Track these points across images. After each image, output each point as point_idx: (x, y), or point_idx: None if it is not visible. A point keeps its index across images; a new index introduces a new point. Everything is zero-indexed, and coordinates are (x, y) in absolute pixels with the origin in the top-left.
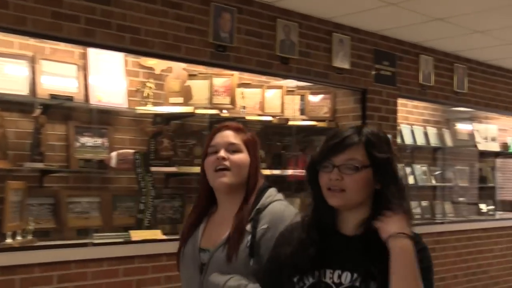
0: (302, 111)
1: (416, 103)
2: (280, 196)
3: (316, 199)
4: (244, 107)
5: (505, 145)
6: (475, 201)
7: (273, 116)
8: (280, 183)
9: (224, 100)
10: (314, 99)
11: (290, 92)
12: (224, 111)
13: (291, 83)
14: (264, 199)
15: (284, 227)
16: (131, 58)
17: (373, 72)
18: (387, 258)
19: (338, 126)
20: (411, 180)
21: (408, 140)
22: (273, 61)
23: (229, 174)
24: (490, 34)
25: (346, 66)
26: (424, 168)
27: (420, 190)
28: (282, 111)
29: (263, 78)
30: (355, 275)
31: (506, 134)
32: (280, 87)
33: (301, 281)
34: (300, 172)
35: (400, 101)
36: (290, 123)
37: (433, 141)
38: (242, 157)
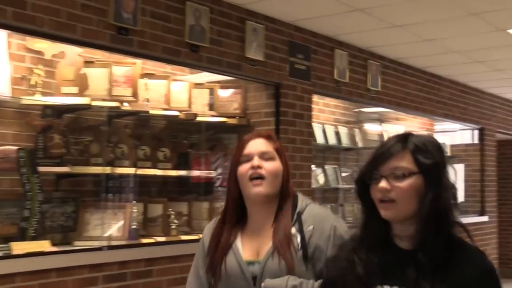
0: (211, 107)
1: (328, 100)
2: (310, 199)
3: (368, 212)
4: (147, 100)
5: None
6: None
7: (179, 111)
8: (185, 186)
9: (125, 91)
10: (224, 93)
11: (198, 85)
12: (125, 104)
13: (200, 78)
14: (301, 203)
15: (337, 244)
16: (16, 40)
17: (287, 65)
18: (448, 275)
19: (249, 123)
20: (322, 182)
21: (320, 140)
22: (182, 48)
23: (265, 184)
24: (407, 29)
25: (260, 57)
26: (334, 169)
27: (330, 192)
28: (190, 106)
29: (170, 69)
30: None
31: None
32: (187, 79)
33: None
34: (208, 173)
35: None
36: (198, 119)
37: (345, 141)
38: (276, 165)
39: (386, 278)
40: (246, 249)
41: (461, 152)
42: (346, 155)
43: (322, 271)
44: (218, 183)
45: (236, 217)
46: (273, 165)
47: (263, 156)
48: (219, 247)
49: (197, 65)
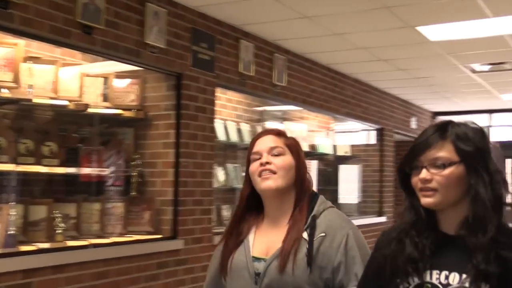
0: (105, 97)
1: (230, 95)
2: (330, 203)
3: (411, 201)
4: (31, 87)
5: (313, 146)
6: None
7: (69, 101)
8: (73, 185)
9: (5, 76)
10: (120, 83)
11: (91, 73)
12: (3, 90)
13: (94, 67)
14: (318, 206)
15: (382, 233)
16: None
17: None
18: (498, 261)
19: (146, 116)
20: (223, 181)
21: (222, 137)
22: (72, 28)
23: (275, 177)
24: (317, 21)
25: (161, 44)
26: (235, 168)
27: (230, 192)
28: (81, 96)
29: (59, 53)
30: (464, 276)
31: (315, 134)
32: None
33: (405, 281)
34: (99, 171)
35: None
36: (90, 110)
37: (247, 139)
38: (287, 159)
39: (435, 263)
40: (257, 244)
41: (361, 152)
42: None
43: (329, 279)
44: (110, 182)
45: (250, 214)
46: (283, 160)
47: (272, 152)
48: (231, 242)
49: (90, 49)
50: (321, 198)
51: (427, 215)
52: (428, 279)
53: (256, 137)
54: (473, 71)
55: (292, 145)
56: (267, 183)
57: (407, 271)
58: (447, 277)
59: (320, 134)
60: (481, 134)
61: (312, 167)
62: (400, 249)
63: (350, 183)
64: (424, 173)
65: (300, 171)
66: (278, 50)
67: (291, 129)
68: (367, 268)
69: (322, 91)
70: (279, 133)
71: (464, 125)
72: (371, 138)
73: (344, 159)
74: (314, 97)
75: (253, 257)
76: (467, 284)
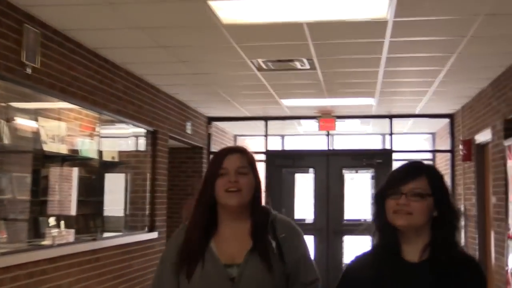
0: None
1: None
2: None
3: (381, 223)
4: None
5: (74, 150)
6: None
7: None
8: None
9: None
10: None
11: None
12: None
13: None
14: (272, 213)
15: (348, 264)
16: None
17: None
18: (457, 284)
19: None
20: None
21: None
22: None
23: (240, 195)
24: None
25: None
26: None
27: None
28: None
29: None
30: None
31: (77, 135)
32: None
33: None
34: None
35: None
36: None
37: None
38: (250, 178)
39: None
40: (221, 252)
41: (131, 158)
42: None
43: (291, 273)
44: None
45: (208, 222)
46: (248, 179)
47: (239, 170)
48: (194, 250)
49: None
50: (269, 207)
51: (392, 240)
52: None
53: (223, 153)
54: (259, 69)
55: (253, 163)
56: (233, 201)
57: None
58: None
59: (83, 136)
60: (442, 176)
61: (73, 174)
62: (364, 276)
63: (116, 193)
64: (403, 199)
65: (258, 186)
66: (30, 21)
67: (47, 127)
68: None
69: (87, 80)
70: (244, 152)
71: (432, 166)
72: (142, 142)
73: (111, 166)
74: (77, 86)
75: (223, 264)
76: None
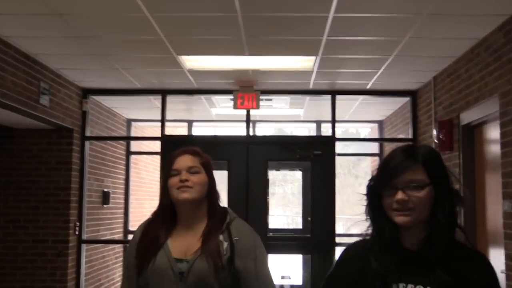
0: None
1: None
2: (235, 214)
3: (378, 220)
4: None
5: None
6: None
7: None
8: None
9: None
10: None
11: None
12: None
13: None
14: (229, 215)
15: (346, 247)
16: None
17: None
18: (459, 272)
19: None
20: None
21: None
22: None
23: (191, 191)
24: None
25: None
26: None
27: None
28: None
29: None
30: None
31: None
32: None
33: None
34: None
35: None
36: None
37: None
38: (201, 177)
39: (401, 278)
40: (175, 247)
41: None
42: None
43: (239, 273)
44: None
45: (166, 220)
46: (199, 177)
47: (190, 170)
48: (150, 245)
49: None
50: (229, 209)
51: (390, 233)
52: None
53: (175, 155)
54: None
55: (206, 164)
56: (184, 195)
57: (375, 286)
58: None
59: None
60: (440, 158)
61: None
62: (366, 265)
63: None
64: (401, 195)
65: (211, 185)
66: None
67: None
68: (329, 283)
69: None
70: (196, 153)
71: (428, 149)
72: None
73: None
74: None
75: (174, 258)
76: None
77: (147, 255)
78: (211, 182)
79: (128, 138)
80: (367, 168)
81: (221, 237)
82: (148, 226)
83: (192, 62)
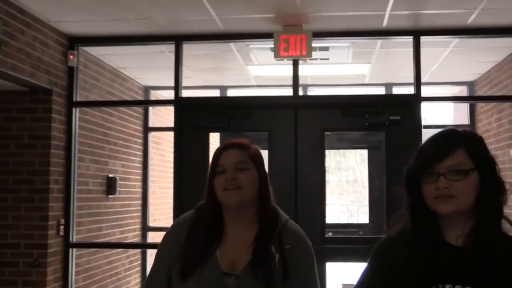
0: None
1: None
2: (286, 215)
3: (417, 210)
4: None
5: None
6: None
7: None
8: None
9: None
10: None
11: None
12: None
13: None
14: (281, 219)
15: (380, 241)
16: None
17: None
18: (508, 270)
19: None
20: None
21: None
22: None
23: (240, 191)
24: None
25: None
26: None
27: None
28: None
29: None
30: None
31: None
32: None
33: None
34: None
35: None
36: None
37: None
38: (251, 174)
39: (446, 277)
40: (223, 259)
41: None
42: None
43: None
44: None
45: (214, 224)
46: (248, 175)
47: (237, 166)
48: (197, 251)
49: None
50: (280, 210)
51: (431, 226)
52: None
53: (220, 149)
54: None
55: (255, 157)
56: (232, 197)
57: (419, 285)
58: None
59: None
60: (483, 140)
61: None
62: (410, 262)
63: None
64: (443, 181)
65: (263, 183)
66: None
67: None
68: (366, 278)
69: None
70: (244, 146)
71: (472, 132)
72: None
73: None
74: None
75: (222, 272)
76: None
77: (194, 263)
78: (263, 179)
79: (125, 103)
80: None
81: (272, 247)
82: (191, 230)
83: None
